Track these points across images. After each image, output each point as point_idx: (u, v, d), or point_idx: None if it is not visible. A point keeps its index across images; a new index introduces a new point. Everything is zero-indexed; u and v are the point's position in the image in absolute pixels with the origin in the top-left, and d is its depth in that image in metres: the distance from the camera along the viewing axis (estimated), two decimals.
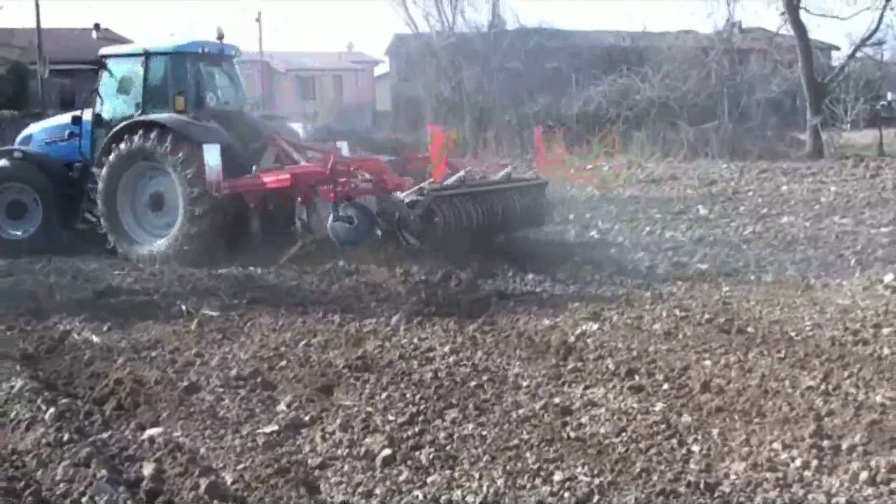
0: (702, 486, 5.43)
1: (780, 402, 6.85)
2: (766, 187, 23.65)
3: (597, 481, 5.52)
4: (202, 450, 6.36)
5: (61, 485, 5.82)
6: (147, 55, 16.86)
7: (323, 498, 5.53)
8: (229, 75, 17.87)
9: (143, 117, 16.26)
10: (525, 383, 7.53)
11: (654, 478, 5.57)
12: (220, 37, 17.89)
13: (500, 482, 5.57)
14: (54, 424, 6.84)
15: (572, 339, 8.79)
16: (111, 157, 16.03)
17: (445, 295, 11.29)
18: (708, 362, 7.95)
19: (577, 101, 42.34)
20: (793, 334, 8.87)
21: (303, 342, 9.12)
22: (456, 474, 5.75)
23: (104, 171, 16.09)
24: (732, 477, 5.56)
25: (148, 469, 5.99)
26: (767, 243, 14.75)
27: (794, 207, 19.19)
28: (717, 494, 5.34)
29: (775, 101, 42.42)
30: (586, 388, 7.39)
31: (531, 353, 8.45)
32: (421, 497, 5.44)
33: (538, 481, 5.58)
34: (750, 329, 9.12)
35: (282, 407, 7.19)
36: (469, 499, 5.37)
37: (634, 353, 8.25)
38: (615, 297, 10.80)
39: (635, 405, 6.89)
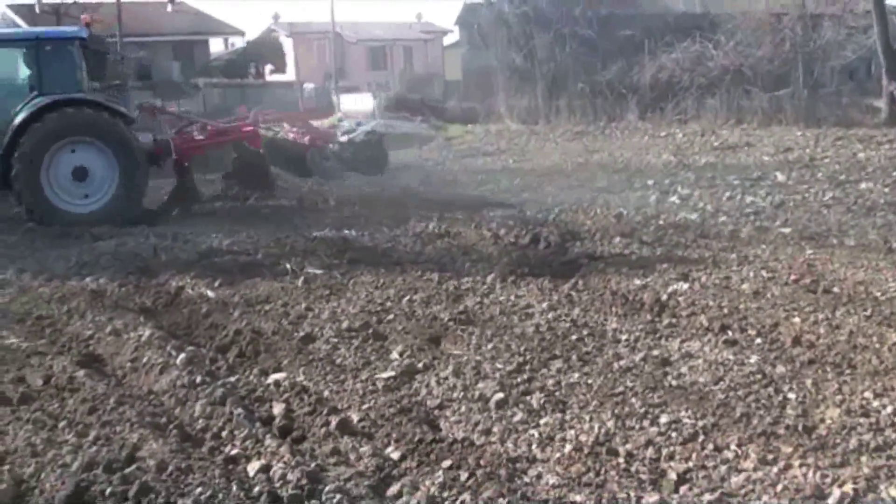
0: (800, 428, 5.79)
1: (870, 355, 7.18)
2: (843, 154, 23.64)
3: (701, 423, 5.91)
4: (326, 392, 6.85)
5: (200, 421, 6.33)
6: (39, 40, 17.74)
7: (444, 434, 5.99)
8: (87, 58, 18.71)
9: (66, 96, 17.34)
10: (623, 337, 7.92)
11: (755, 421, 5.94)
12: (88, 24, 19.18)
13: (609, 424, 5.98)
14: (186, 368, 7.37)
15: (664, 297, 9.15)
16: (33, 135, 16.87)
17: (536, 256, 11.69)
18: (797, 319, 8.26)
19: (650, 68, 42.20)
20: (878, 294, 9.15)
21: (406, 298, 9.60)
22: (567, 417, 6.16)
23: (25, 148, 16.84)
24: (828, 421, 5.91)
25: (278, 409, 6.49)
26: (847, 208, 14.93)
27: (871, 174, 19.25)
28: (814, 436, 5.70)
29: (850, 68, 42.01)
30: (682, 341, 7.76)
31: (626, 309, 8.84)
32: (536, 436, 5.87)
33: (646, 423, 5.98)
34: (835, 289, 9.41)
35: (394, 355, 7.66)
36: (582, 438, 5.78)
37: (725, 311, 8.58)
38: (702, 259, 11.11)
39: (731, 357, 7.25)
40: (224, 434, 6.07)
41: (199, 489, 5.11)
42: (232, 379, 7.25)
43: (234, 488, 5.15)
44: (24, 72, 17.80)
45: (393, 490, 5.18)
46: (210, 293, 10.30)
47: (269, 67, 70.95)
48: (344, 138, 23.05)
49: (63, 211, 17.12)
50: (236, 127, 20.44)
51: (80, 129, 17.27)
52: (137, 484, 5.18)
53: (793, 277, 9.83)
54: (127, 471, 5.41)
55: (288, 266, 11.51)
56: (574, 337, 7.95)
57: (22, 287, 11.44)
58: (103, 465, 5.54)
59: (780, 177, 19.43)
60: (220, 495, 5.06)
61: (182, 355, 7.66)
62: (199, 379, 7.11)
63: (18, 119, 17.02)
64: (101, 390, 7.06)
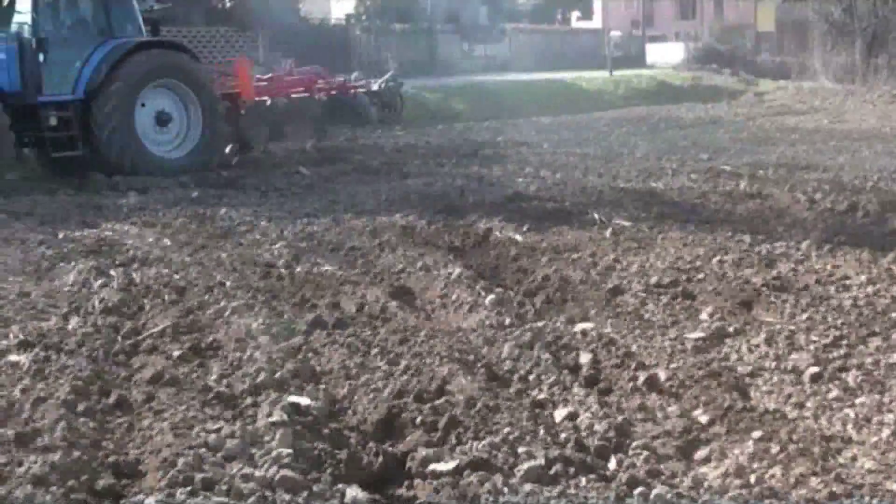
0: None
1: None
2: None
3: None
4: (633, 347, 6.80)
5: (507, 362, 6.43)
6: None
7: (755, 404, 5.83)
8: None
9: (147, 38, 17.33)
10: None
11: None
12: None
13: None
14: (494, 309, 7.52)
15: None
16: (123, 79, 16.50)
17: (853, 225, 11.15)
18: None
19: None
20: None
21: (716, 258, 9.36)
22: (885, 399, 5.84)
23: (116, 92, 16.42)
24: None
25: (585, 358, 6.49)
26: None
27: None
28: None
29: None
30: None
31: None
32: (852, 415, 5.61)
33: None
34: None
35: (704, 316, 7.50)
36: None
37: None
38: None
39: None
40: (531, 378, 6.14)
41: (507, 429, 5.20)
42: (539, 324, 7.32)
43: (542, 432, 5.21)
44: (90, 17, 17.23)
45: (700, 454, 5.10)
46: (518, 237, 10.45)
47: (575, 14, 70.95)
48: (374, 87, 25.22)
49: (156, 157, 16.89)
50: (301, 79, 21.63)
51: (168, 72, 17.12)
52: (447, 416, 5.34)
53: None
54: (437, 402, 5.58)
55: (595, 216, 11.49)
56: (894, 315, 7.54)
57: (335, 219, 12.01)
58: (413, 394, 5.75)
59: None
60: (528, 437, 5.12)
61: (491, 296, 7.82)
62: (507, 321, 7.25)
63: (95, 61, 16.52)
64: (411, 322, 7.32)
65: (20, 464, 4.78)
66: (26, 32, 16.25)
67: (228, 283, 8.65)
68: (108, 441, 5.30)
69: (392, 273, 9.16)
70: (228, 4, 38.38)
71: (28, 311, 7.99)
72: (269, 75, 21.59)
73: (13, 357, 6.62)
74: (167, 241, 10.94)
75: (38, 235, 11.37)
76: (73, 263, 9.75)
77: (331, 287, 8.61)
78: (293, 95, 21.22)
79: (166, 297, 8.33)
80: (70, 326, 7.44)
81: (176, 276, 9.03)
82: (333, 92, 22.42)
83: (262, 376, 6.02)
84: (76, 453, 4.89)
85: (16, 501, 4.38)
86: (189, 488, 4.52)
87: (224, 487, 4.55)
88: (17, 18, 16.74)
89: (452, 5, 55.80)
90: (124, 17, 17.25)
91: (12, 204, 13.73)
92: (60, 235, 11.30)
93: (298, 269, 9.34)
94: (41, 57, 16.09)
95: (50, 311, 7.99)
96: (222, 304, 7.91)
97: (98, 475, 4.79)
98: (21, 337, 7.03)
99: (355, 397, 5.86)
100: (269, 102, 20.27)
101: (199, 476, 4.62)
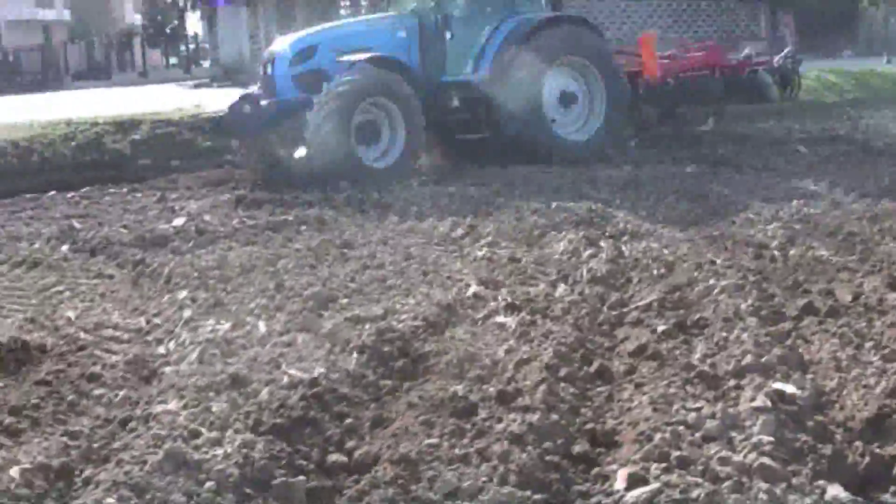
0: None
1: None
2: None
3: None
4: None
5: None
6: None
7: None
8: None
9: (552, 14, 16.63)
10: None
11: None
12: None
13: None
14: None
15: None
16: (530, 58, 15.37)
17: None
18: None
19: None
20: None
21: None
22: None
23: (523, 72, 15.33)
24: None
25: None
26: None
27: None
28: None
29: None
30: None
31: None
32: None
33: None
34: None
35: None
36: None
37: None
38: None
39: None
40: None
41: None
42: None
43: None
44: None
45: None
46: None
47: None
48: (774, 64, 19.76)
49: (560, 140, 15.82)
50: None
51: (575, 49, 16.04)
52: None
53: None
54: None
55: None
56: None
57: (834, 201, 11.50)
58: None
59: None
60: None
61: None
62: None
63: (500, 39, 15.65)
64: None
65: (500, 420, 5.04)
66: (428, 10, 15.93)
67: (719, 262, 8.53)
68: (586, 408, 5.45)
69: (892, 262, 8.56)
70: None
71: (517, 275, 8.44)
72: (668, 52, 20.40)
73: (500, 318, 7.02)
74: (658, 216, 11.03)
75: (533, 204, 11.92)
76: (563, 233, 10.13)
77: (825, 273, 8.23)
78: (688, 74, 19.59)
79: (654, 271, 8.39)
80: (557, 293, 7.74)
81: (665, 252, 9.08)
82: (727, 70, 20.62)
83: (747, 359, 5.84)
84: (554, 416, 5.06)
85: (492, 455, 4.61)
86: (664, 464, 4.52)
87: (699, 468, 4.50)
88: None
89: None
90: None
91: (508, 175, 14.43)
92: (553, 205, 11.73)
93: (792, 251, 9.01)
94: (447, 35, 15.72)
95: (538, 278, 8.38)
96: (711, 282, 7.79)
97: (574, 440, 4.94)
98: (509, 300, 7.44)
99: (844, 391, 5.53)
100: (649, 80, 18.30)
101: (675, 453, 4.60)
